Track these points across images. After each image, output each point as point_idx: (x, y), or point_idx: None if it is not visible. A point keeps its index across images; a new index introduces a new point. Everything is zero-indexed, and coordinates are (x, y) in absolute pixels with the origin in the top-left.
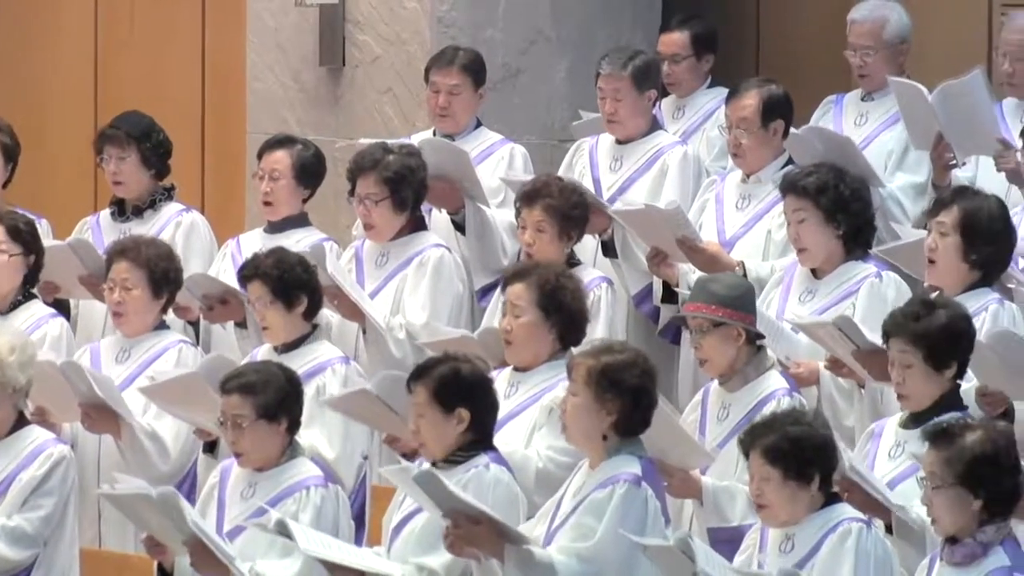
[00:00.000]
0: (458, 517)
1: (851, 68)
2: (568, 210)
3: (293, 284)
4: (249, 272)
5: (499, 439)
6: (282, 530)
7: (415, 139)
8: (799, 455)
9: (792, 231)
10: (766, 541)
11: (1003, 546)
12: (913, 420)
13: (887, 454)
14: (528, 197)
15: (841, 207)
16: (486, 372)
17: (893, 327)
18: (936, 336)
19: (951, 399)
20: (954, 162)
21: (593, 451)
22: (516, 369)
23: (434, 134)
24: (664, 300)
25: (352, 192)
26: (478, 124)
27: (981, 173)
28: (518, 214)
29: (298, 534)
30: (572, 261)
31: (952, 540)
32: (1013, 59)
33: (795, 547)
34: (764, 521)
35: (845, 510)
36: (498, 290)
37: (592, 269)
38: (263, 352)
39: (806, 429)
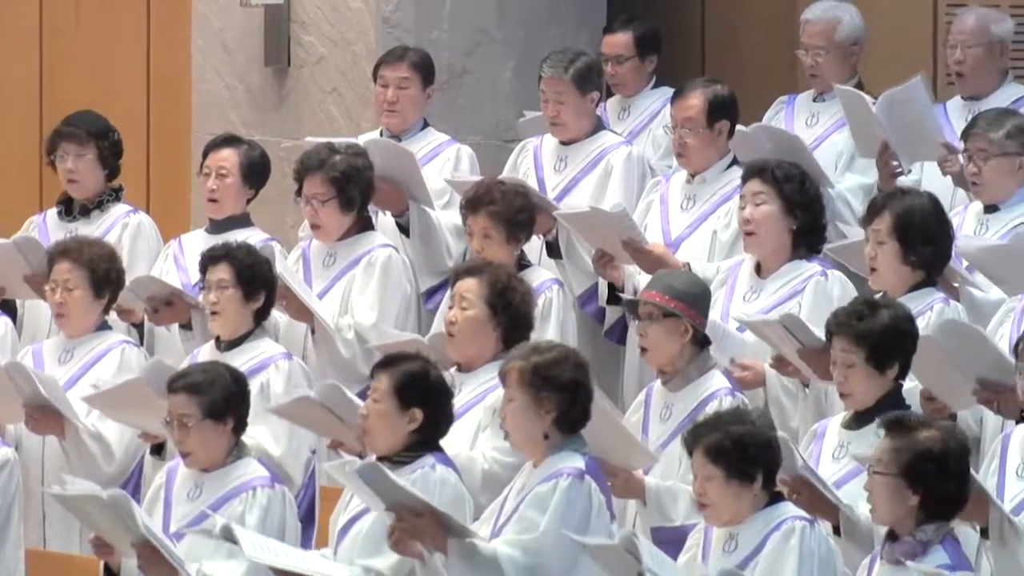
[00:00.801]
0: (401, 510)
1: (801, 68)
2: (513, 214)
3: (258, 277)
4: (219, 253)
5: (444, 440)
6: (228, 536)
7: (362, 140)
8: (742, 454)
9: (748, 212)
10: (710, 541)
11: (943, 545)
12: (856, 421)
13: (831, 455)
14: (472, 204)
15: (802, 202)
16: (450, 383)
17: (836, 326)
18: (879, 336)
19: (893, 399)
20: (900, 170)
21: (537, 451)
22: (459, 370)
23: (381, 135)
24: (610, 302)
25: (299, 192)
26: (425, 125)
27: (925, 177)
28: (464, 221)
29: (244, 540)
30: (523, 263)
31: (892, 537)
32: (963, 46)
33: (738, 546)
34: (707, 520)
35: (788, 509)
36: (448, 291)
37: (544, 271)
38: (205, 351)
39: (749, 428)
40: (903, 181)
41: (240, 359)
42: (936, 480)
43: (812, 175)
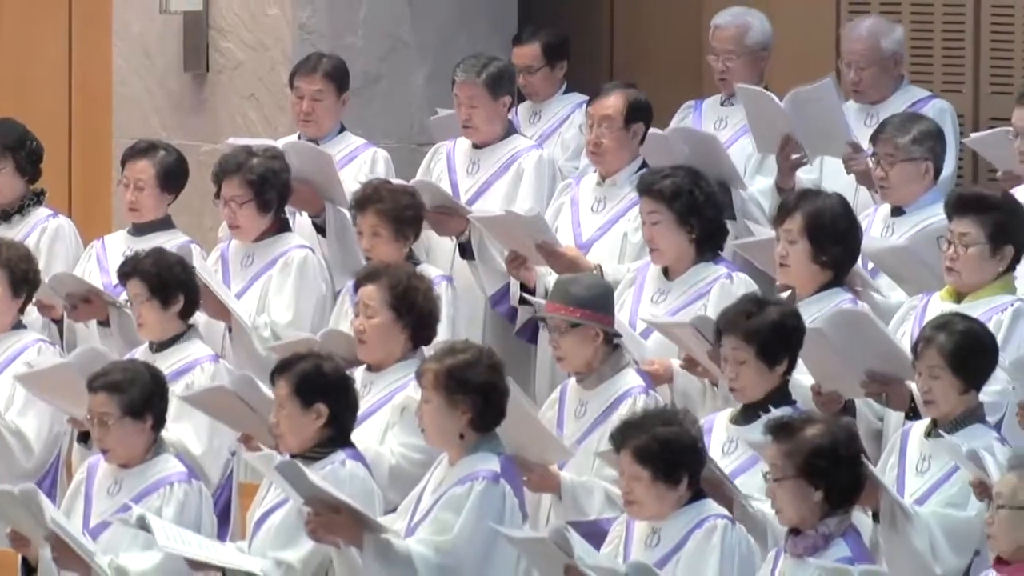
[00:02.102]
0: (318, 505)
1: (707, 73)
2: (400, 212)
3: (171, 283)
4: (128, 269)
5: (354, 438)
6: (143, 525)
7: (280, 142)
8: (668, 456)
9: (647, 231)
10: (632, 534)
11: (844, 538)
12: (744, 416)
13: (720, 450)
14: (360, 203)
15: (694, 211)
16: (347, 372)
17: (726, 325)
18: (768, 333)
19: (781, 393)
20: (805, 161)
21: (452, 450)
22: (369, 369)
23: (299, 138)
24: (522, 301)
25: (217, 194)
26: (342, 129)
27: (826, 176)
28: (354, 220)
29: (157, 529)
30: (412, 260)
31: (795, 532)
32: (857, 67)
33: (661, 541)
34: (631, 515)
35: (711, 507)
36: (343, 291)
37: (432, 268)
38: (140, 353)
39: (675, 430)
40: (801, 178)
41: (169, 360)
42: (833, 472)
43: (724, 176)
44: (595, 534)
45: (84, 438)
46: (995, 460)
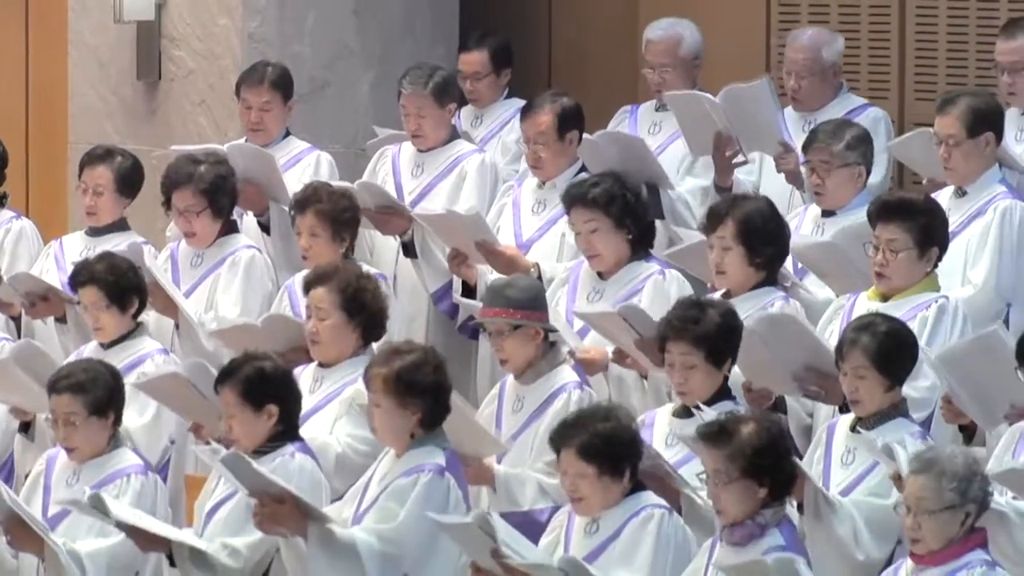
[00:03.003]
0: (264, 497)
1: (642, 79)
2: (338, 214)
3: (126, 288)
4: (83, 278)
5: (304, 429)
6: (96, 503)
7: (224, 145)
8: (611, 451)
9: (583, 241)
10: (573, 523)
11: (779, 527)
12: (685, 410)
13: (663, 443)
14: (300, 205)
15: (629, 213)
16: (286, 366)
17: (672, 331)
18: (714, 336)
19: (724, 391)
20: (739, 159)
21: (403, 447)
22: (320, 365)
23: (246, 141)
24: (464, 297)
25: (167, 204)
26: (287, 134)
27: (764, 179)
28: (293, 221)
29: (111, 504)
30: (349, 260)
31: (732, 522)
32: (797, 76)
33: (600, 529)
34: (579, 513)
35: (650, 498)
36: (283, 286)
37: (366, 267)
38: (89, 349)
39: (615, 425)
40: (740, 179)
41: (121, 356)
42: (775, 468)
43: (653, 176)
44: (530, 524)
45: (24, 428)
46: (906, 453)
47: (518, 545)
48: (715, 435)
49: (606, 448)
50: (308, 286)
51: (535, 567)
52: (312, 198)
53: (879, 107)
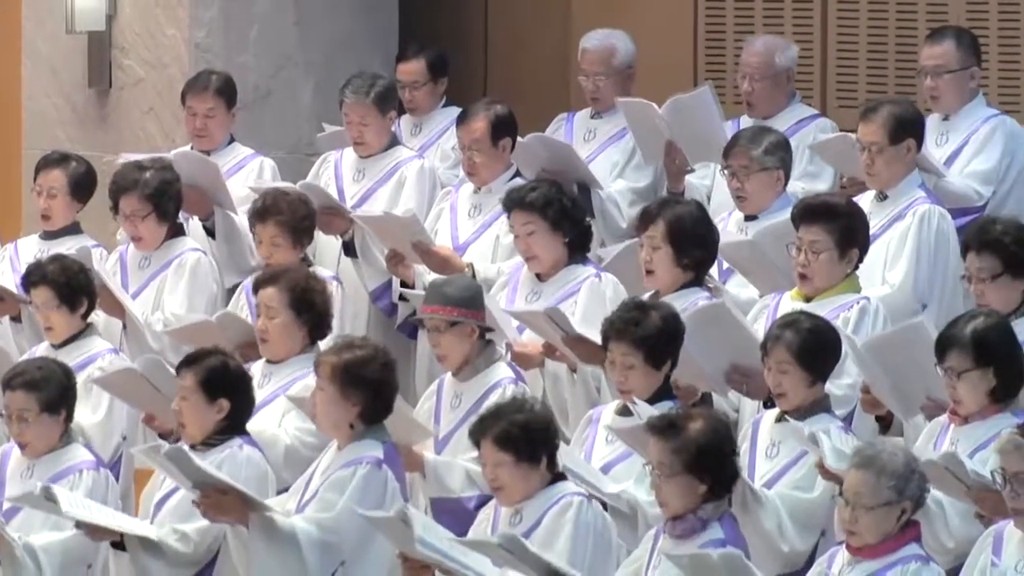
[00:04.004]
0: (206, 488)
1: (575, 87)
2: (298, 222)
3: (77, 289)
4: (36, 278)
5: (253, 425)
6: (47, 495)
7: (170, 153)
8: (528, 439)
9: (522, 243)
10: (498, 515)
11: (720, 521)
12: (627, 410)
13: (604, 440)
14: (260, 215)
15: (566, 216)
16: (247, 370)
17: (613, 332)
18: (655, 338)
19: (664, 391)
20: (688, 167)
21: (341, 437)
22: (269, 362)
23: (192, 148)
24: (402, 298)
25: (115, 209)
26: (231, 140)
27: (717, 182)
28: (252, 228)
29: (61, 497)
30: (305, 262)
31: (675, 515)
32: (751, 79)
33: (523, 519)
34: (500, 502)
35: (569, 487)
36: (240, 286)
37: (323, 270)
38: (41, 349)
39: (530, 414)
40: (695, 185)
41: (73, 355)
42: (717, 466)
43: (582, 178)
44: (457, 511)
45: None
46: (830, 441)
47: (432, 536)
48: (664, 428)
49: (522, 436)
50: (257, 286)
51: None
52: (272, 208)
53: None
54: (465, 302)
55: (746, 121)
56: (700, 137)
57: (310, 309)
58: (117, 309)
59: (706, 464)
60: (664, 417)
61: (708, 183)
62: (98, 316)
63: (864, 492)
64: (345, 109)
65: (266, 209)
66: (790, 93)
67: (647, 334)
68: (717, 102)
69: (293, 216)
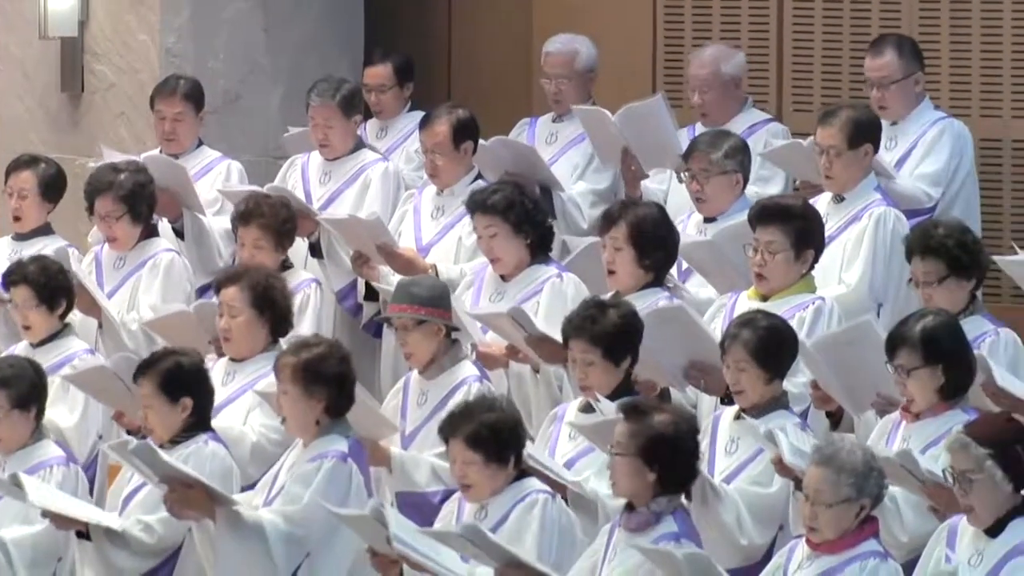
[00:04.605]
0: (173, 483)
1: (536, 92)
2: (280, 226)
3: (56, 289)
4: (16, 277)
5: (219, 419)
6: (15, 481)
7: (143, 156)
8: (497, 439)
9: (485, 245)
10: (463, 510)
11: (674, 516)
12: (589, 407)
13: (568, 436)
14: (243, 218)
15: (527, 219)
16: (202, 362)
17: (572, 330)
18: (613, 335)
19: (625, 387)
20: (643, 174)
21: (308, 435)
22: (232, 360)
23: (161, 151)
24: (367, 298)
25: (90, 210)
26: (200, 143)
27: (672, 187)
28: (235, 231)
29: (29, 487)
30: (286, 264)
31: (630, 508)
32: (700, 92)
33: (488, 515)
34: (468, 499)
35: (534, 483)
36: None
37: (303, 272)
38: (20, 348)
39: (500, 415)
40: (652, 189)
41: (50, 355)
42: (670, 459)
43: (544, 180)
44: (422, 504)
45: None
46: (787, 439)
47: (408, 534)
48: (632, 410)
49: (492, 437)
50: (219, 286)
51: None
52: (255, 212)
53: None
54: (432, 301)
55: (701, 129)
56: (654, 144)
57: (272, 307)
58: (93, 308)
59: (658, 453)
60: (635, 400)
61: (664, 188)
62: (75, 316)
63: (824, 489)
64: (311, 112)
65: (249, 212)
66: (741, 99)
67: (605, 331)
68: (670, 110)
69: (275, 219)
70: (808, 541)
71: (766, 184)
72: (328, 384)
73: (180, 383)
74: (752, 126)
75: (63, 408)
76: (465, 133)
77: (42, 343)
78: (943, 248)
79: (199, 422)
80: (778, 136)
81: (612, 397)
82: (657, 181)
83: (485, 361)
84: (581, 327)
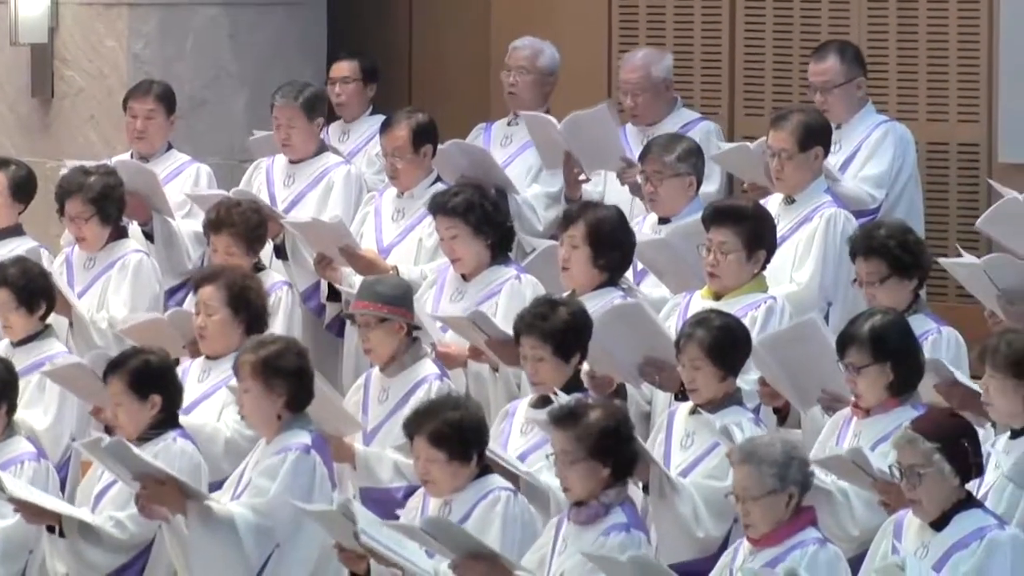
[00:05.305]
0: (146, 479)
1: (495, 97)
2: (251, 232)
3: (36, 292)
4: None
5: (193, 418)
6: None
7: (113, 160)
8: (460, 438)
9: (446, 246)
10: (427, 506)
11: (621, 507)
12: (541, 402)
13: (519, 431)
14: (215, 226)
15: (487, 221)
16: (170, 361)
17: (523, 327)
18: (562, 332)
19: (574, 383)
20: (583, 177)
21: (270, 430)
22: (208, 358)
23: (131, 156)
24: (330, 299)
25: (61, 212)
26: (169, 147)
27: (608, 189)
28: (207, 237)
29: (5, 478)
30: (258, 266)
31: (578, 502)
32: (632, 94)
33: (452, 512)
34: (431, 494)
35: (497, 481)
36: (190, 293)
37: (275, 273)
38: (1, 347)
39: (463, 413)
40: (587, 190)
41: (30, 355)
42: (617, 450)
43: (499, 183)
44: (386, 500)
45: None
46: (743, 435)
47: (375, 529)
48: (564, 417)
49: (455, 435)
50: (198, 284)
51: (394, 547)
52: (225, 220)
53: (711, 121)
54: (395, 300)
55: (631, 130)
56: (597, 149)
57: (247, 307)
58: (64, 307)
59: (607, 448)
60: (564, 408)
61: (600, 190)
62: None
63: (750, 485)
64: (275, 112)
65: (220, 221)
66: (671, 100)
67: (555, 328)
68: (615, 117)
69: (246, 227)
70: (748, 538)
71: (705, 183)
72: (287, 378)
73: (149, 381)
74: (684, 125)
75: (37, 410)
76: (424, 137)
77: (22, 343)
78: (885, 248)
79: (168, 419)
80: (711, 134)
81: (563, 392)
82: (592, 184)
83: (445, 360)
84: (532, 324)
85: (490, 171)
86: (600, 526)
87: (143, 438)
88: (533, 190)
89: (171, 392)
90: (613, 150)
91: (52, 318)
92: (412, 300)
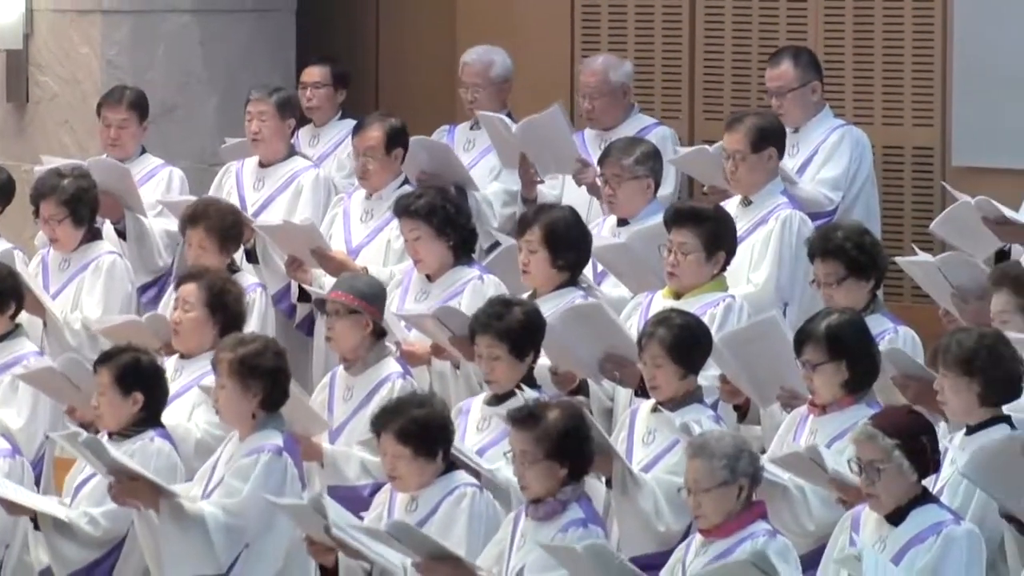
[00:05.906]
0: (119, 475)
1: (459, 101)
2: (226, 230)
3: (5, 291)
4: None
5: (166, 415)
6: None
7: (85, 161)
8: (426, 434)
9: (410, 247)
10: (394, 502)
11: (578, 503)
12: (496, 399)
13: (475, 427)
14: (191, 219)
15: (449, 223)
16: (161, 364)
17: (479, 327)
18: (516, 331)
19: (528, 381)
20: (538, 178)
21: (244, 428)
22: (182, 357)
23: (106, 157)
24: (300, 300)
25: (36, 214)
26: (143, 151)
27: (566, 190)
28: (183, 232)
29: None
30: (233, 268)
31: (536, 499)
32: (590, 98)
33: (419, 507)
34: (398, 490)
35: (463, 477)
36: (168, 289)
37: (249, 275)
38: None
39: (429, 411)
40: (544, 192)
41: (0, 355)
42: (576, 450)
43: (459, 179)
44: (353, 498)
45: None
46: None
47: (347, 523)
48: (524, 419)
49: (421, 432)
50: (179, 282)
51: (364, 541)
52: (202, 215)
53: (671, 126)
54: (369, 297)
55: (589, 134)
56: (551, 151)
57: (223, 309)
58: (38, 308)
59: (566, 448)
60: (523, 409)
61: (557, 192)
62: (22, 316)
63: (700, 478)
64: (248, 107)
65: (196, 215)
66: (628, 106)
67: (510, 327)
68: (567, 120)
69: (221, 223)
70: (700, 530)
71: (660, 185)
72: (264, 378)
73: (135, 378)
74: (640, 130)
75: (11, 410)
76: (397, 140)
77: None
78: (842, 250)
79: (149, 418)
80: (667, 139)
81: (513, 392)
82: (550, 186)
83: (408, 359)
84: (487, 324)
85: (451, 167)
86: (558, 522)
87: (123, 434)
88: (493, 187)
89: (155, 393)
90: (567, 151)
91: (26, 319)
92: (384, 301)
